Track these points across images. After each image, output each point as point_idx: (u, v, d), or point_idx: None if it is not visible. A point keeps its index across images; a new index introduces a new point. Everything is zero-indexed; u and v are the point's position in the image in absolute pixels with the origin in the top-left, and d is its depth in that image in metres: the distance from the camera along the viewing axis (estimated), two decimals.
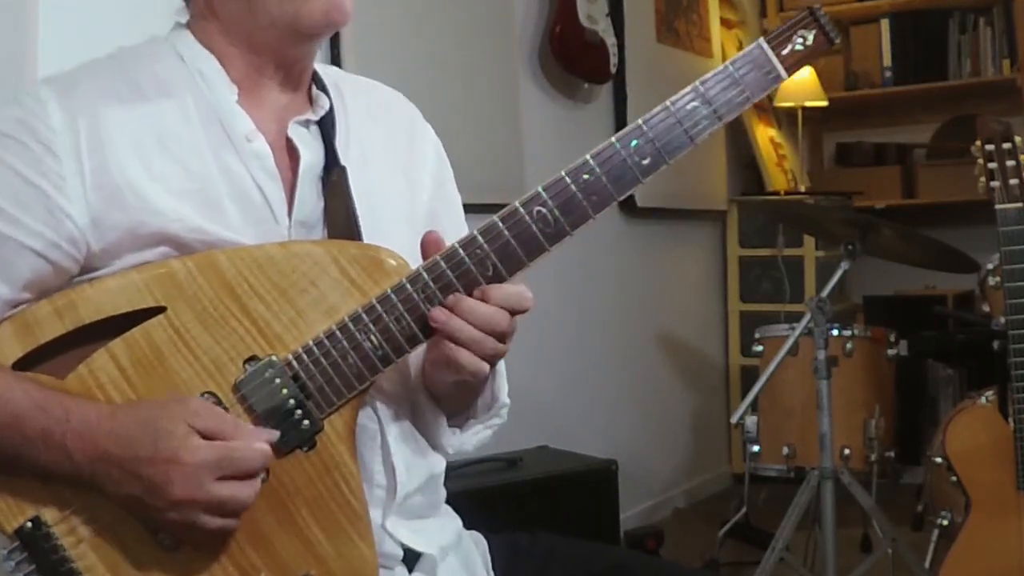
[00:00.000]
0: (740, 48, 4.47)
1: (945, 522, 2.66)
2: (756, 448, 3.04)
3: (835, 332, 2.98)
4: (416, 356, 1.20)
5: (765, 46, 1.08)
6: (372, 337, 1.07)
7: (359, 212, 1.17)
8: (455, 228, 1.25)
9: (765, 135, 4.50)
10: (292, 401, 1.06)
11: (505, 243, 1.07)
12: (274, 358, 1.07)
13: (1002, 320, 2.34)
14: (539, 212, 1.06)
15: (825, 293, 2.58)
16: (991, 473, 2.11)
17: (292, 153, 1.17)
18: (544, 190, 1.07)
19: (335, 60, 2.61)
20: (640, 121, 1.07)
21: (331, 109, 1.22)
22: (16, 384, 1.04)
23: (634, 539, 3.24)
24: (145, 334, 1.06)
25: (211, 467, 1.00)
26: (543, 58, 3.44)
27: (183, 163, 1.11)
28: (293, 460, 1.07)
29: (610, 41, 3.52)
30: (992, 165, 2.06)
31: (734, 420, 2.67)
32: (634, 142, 1.07)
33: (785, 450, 3.00)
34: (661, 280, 4.11)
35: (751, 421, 3.03)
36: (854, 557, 2.93)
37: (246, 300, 1.07)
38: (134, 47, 1.20)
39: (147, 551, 1.05)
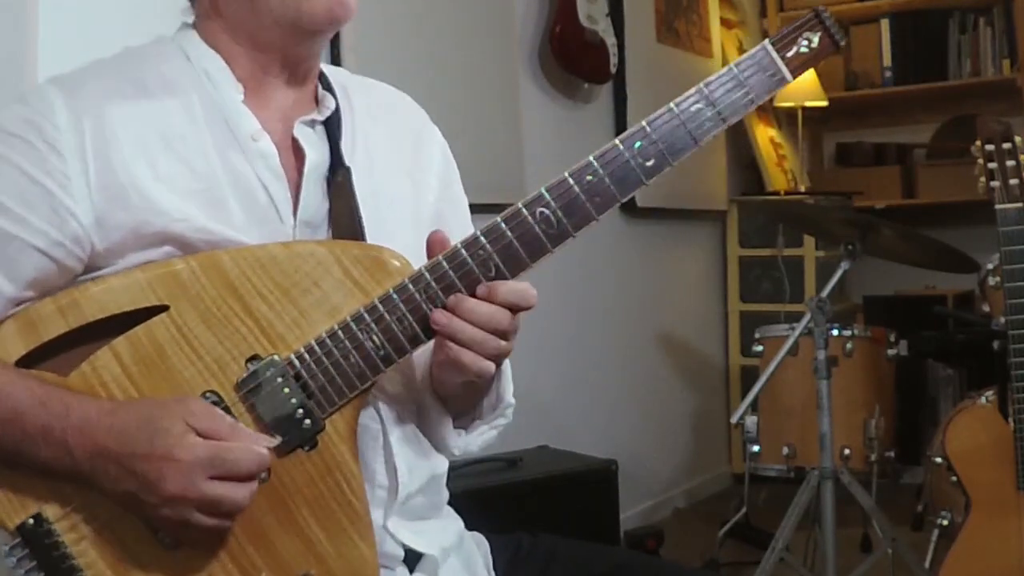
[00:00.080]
0: (740, 48, 4.47)
1: (945, 522, 2.67)
2: (756, 448, 3.04)
3: (835, 332, 2.98)
4: (422, 358, 1.20)
5: (770, 48, 1.08)
6: (374, 337, 1.07)
7: (363, 213, 1.17)
8: (462, 229, 1.24)
9: (765, 135, 4.50)
10: (294, 400, 1.06)
11: (508, 244, 1.07)
12: (276, 357, 1.07)
13: (1002, 320, 2.34)
14: (542, 213, 1.06)
15: (825, 293, 2.58)
16: (991, 473, 2.11)
17: (297, 153, 1.17)
18: (547, 191, 1.07)
19: (335, 60, 2.60)
20: (644, 122, 1.07)
21: (337, 109, 1.22)
22: (18, 380, 1.04)
23: (634, 539, 3.24)
24: (148, 333, 1.06)
25: (204, 465, 1.00)
26: (543, 58, 3.44)
27: (188, 163, 1.12)
28: (294, 459, 1.07)
29: (610, 41, 3.52)
30: (992, 165, 2.06)
31: (734, 420, 2.67)
32: (638, 143, 1.07)
33: (785, 450, 3.00)
34: (661, 280, 4.11)
35: (751, 421, 3.03)
36: (854, 557, 2.93)
37: (249, 299, 1.07)
38: (140, 47, 1.20)
39: (147, 549, 1.05)
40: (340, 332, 1.07)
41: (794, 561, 2.67)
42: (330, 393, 1.07)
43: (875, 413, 2.93)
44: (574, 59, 3.44)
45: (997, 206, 2.06)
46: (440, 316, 1.06)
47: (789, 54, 1.08)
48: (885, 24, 4.59)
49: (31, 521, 1.04)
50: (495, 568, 1.29)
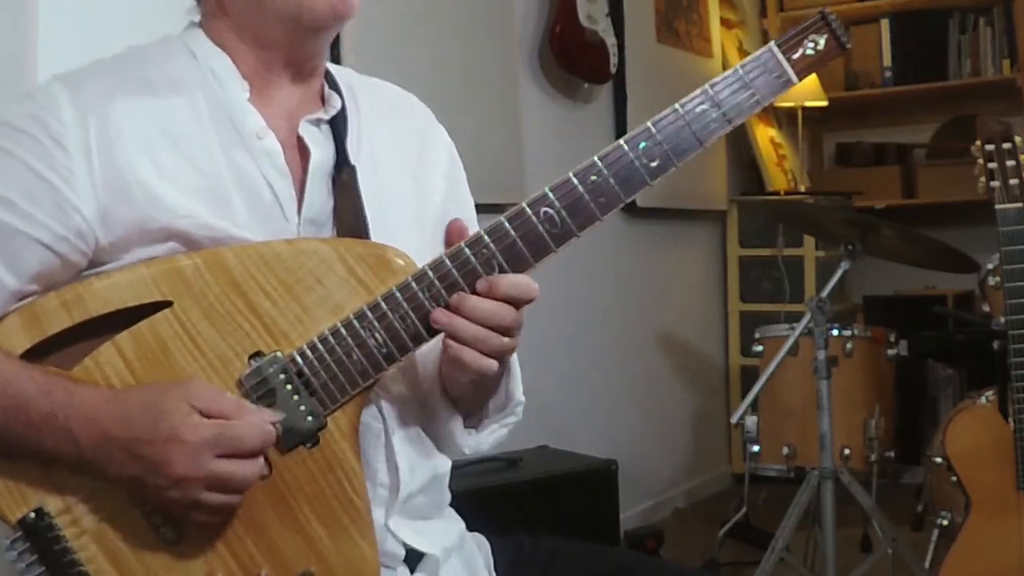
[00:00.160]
0: (740, 48, 4.47)
1: (945, 522, 2.66)
2: (756, 448, 3.04)
3: (835, 332, 2.98)
4: (428, 357, 1.21)
5: (776, 50, 1.08)
6: (376, 335, 1.07)
7: (368, 212, 1.18)
8: None
9: (765, 135, 4.50)
10: (296, 397, 1.07)
11: (511, 243, 1.07)
12: (279, 354, 1.07)
13: (1002, 320, 2.34)
14: (546, 213, 1.07)
15: (825, 293, 2.58)
16: (991, 473, 2.11)
17: (302, 151, 1.18)
18: (551, 191, 1.07)
19: (335, 60, 2.60)
20: (649, 123, 1.08)
21: (343, 108, 1.22)
22: (22, 370, 1.05)
23: (634, 539, 3.25)
24: (151, 328, 1.07)
25: (210, 444, 1.00)
26: (543, 58, 3.44)
27: (193, 160, 1.12)
28: (296, 456, 1.07)
29: (610, 41, 3.52)
30: (992, 165, 2.06)
31: (734, 420, 2.67)
32: (642, 144, 1.07)
33: (785, 450, 3.00)
34: (661, 280, 4.11)
35: (751, 421, 3.03)
36: (854, 557, 2.93)
37: (252, 296, 1.08)
38: (146, 46, 1.20)
39: (149, 544, 1.06)
40: (343, 329, 1.07)
41: (794, 561, 2.67)
42: (332, 390, 1.07)
43: (875, 413, 2.93)
44: (574, 59, 3.44)
45: (997, 206, 2.06)
46: (440, 315, 1.07)
47: (795, 56, 1.08)
48: (885, 24, 4.60)
49: (32, 515, 1.05)
50: (496, 569, 1.30)
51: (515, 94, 3.28)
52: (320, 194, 1.17)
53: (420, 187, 1.28)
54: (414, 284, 1.07)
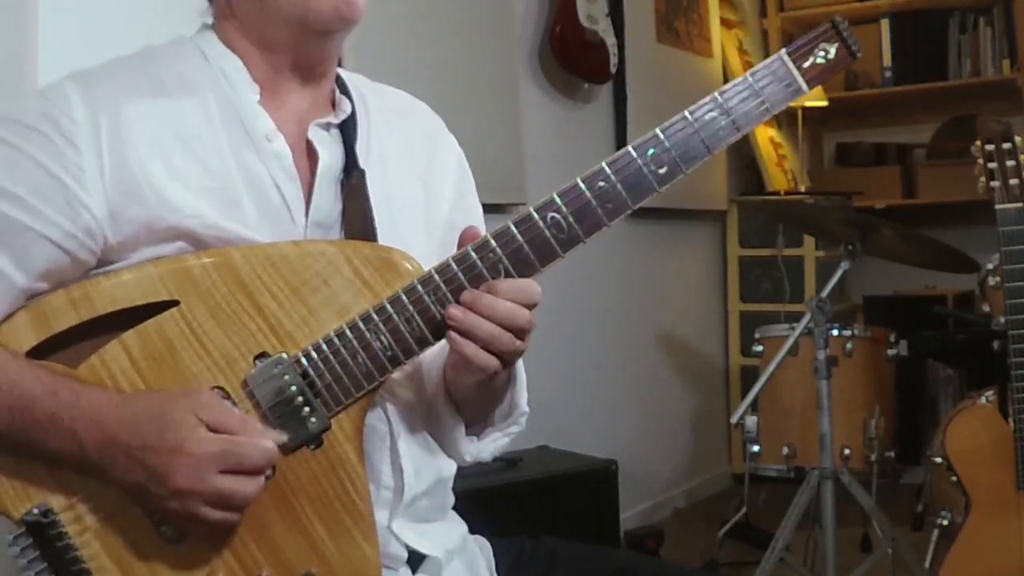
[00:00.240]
0: (740, 48, 4.47)
1: (945, 522, 2.66)
2: (756, 448, 3.05)
3: (835, 332, 2.98)
4: (433, 364, 1.21)
5: (786, 59, 1.09)
6: (382, 337, 1.07)
7: (377, 216, 1.18)
8: None
9: (765, 135, 4.50)
10: (300, 398, 1.07)
11: (518, 248, 1.07)
12: (284, 355, 1.07)
13: (1002, 320, 2.34)
14: (553, 218, 1.07)
15: (825, 293, 2.58)
16: (991, 473, 2.11)
17: (311, 155, 1.18)
18: (559, 196, 1.07)
19: None
20: (658, 130, 1.08)
21: (353, 113, 1.22)
22: (28, 370, 1.05)
23: (634, 539, 3.25)
24: (158, 327, 1.07)
25: (214, 460, 1.00)
26: (543, 58, 3.44)
27: (203, 162, 1.12)
28: (299, 457, 1.07)
29: (610, 41, 3.52)
30: (992, 165, 2.06)
31: (734, 420, 2.67)
32: (651, 151, 1.07)
33: (785, 450, 3.00)
34: (661, 280, 4.11)
35: (751, 421, 3.03)
36: (854, 557, 2.93)
37: (259, 297, 1.08)
38: (159, 46, 1.21)
39: (150, 543, 1.06)
40: (348, 331, 1.07)
41: (794, 561, 2.67)
42: (336, 392, 1.07)
43: (875, 413, 2.93)
44: (574, 59, 3.44)
45: (997, 206, 2.06)
46: (455, 311, 1.06)
47: (805, 65, 1.09)
48: (885, 24, 4.60)
49: (36, 511, 1.05)
50: (497, 571, 1.30)
51: (515, 94, 3.28)
52: (328, 197, 1.17)
53: (429, 192, 1.28)
54: (420, 287, 1.07)
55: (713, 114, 1.08)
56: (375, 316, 1.07)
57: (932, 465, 2.79)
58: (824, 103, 4.42)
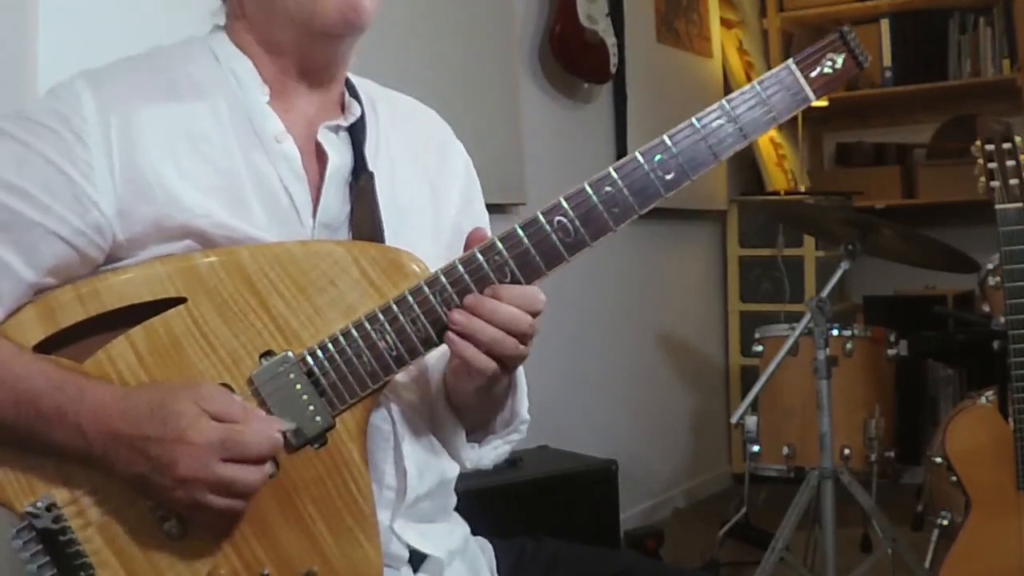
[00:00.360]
0: (740, 48, 4.47)
1: (945, 522, 2.66)
2: (756, 448, 3.04)
3: (835, 332, 2.98)
4: (437, 367, 1.21)
5: (794, 68, 1.09)
6: (387, 337, 1.08)
7: (384, 218, 1.18)
8: None
9: (765, 135, 4.50)
10: (305, 397, 1.07)
11: (524, 251, 1.07)
12: (289, 354, 1.08)
13: (1002, 320, 2.34)
14: (560, 222, 1.07)
15: (825, 293, 2.58)
16: (991, 473, 2.11)
17: (320, 157, 1.19)
18: (565, 200, 1.08)
19: None
20: (665, 136, 1.08)
21: (362, 116, 1.23)
22: (34, 364, 1.06)
23: (634, 539, 3.24)
24: (164, 324, 1.08)
25: (217, 447, 1.01)
26: (543, 58, 3.44)
27: (212, 162, 1.13)
28: (303, 456, 1.08)
29: (610, 41, 3.52)
30: (992, 165, 2.06)
31: (734, 420, 2.67)
32: (658, 157, 1.08)
33: (785, 450, 3.00)
34: (661, 280, 4.11)
35: (751, 421, 3.03)
36: (854, 557, 2.93)
37: (265, 296, 1.09)
38: (171, 46, 1.22)
39: (153, 538, 1.07)
40: (354, 331, 1.08)
41: (794, 561, 2.67)
42: (341, 391, 1.08)
43: (875, 413, 2.93)
44: (574, 59, 3.44)
45: (997, 206, 2.06)
46: (459, 315, 1.07)
47: (813, 74, 1.09)
48: (885, 24, 4.60)
49: (40, 504, 1.06)
50: (498, 572, 1.30)
51: (515, 94, 3.28)
52: (336, 199, 1.18)
53: (436, 197, 1.29)
54: (426, 288, 1.08)
55: (720, 121, 1.08)
56: (381, 316, 1.08)
57: (932, 465, 2.79)
58: (824, 103, 4.41)
